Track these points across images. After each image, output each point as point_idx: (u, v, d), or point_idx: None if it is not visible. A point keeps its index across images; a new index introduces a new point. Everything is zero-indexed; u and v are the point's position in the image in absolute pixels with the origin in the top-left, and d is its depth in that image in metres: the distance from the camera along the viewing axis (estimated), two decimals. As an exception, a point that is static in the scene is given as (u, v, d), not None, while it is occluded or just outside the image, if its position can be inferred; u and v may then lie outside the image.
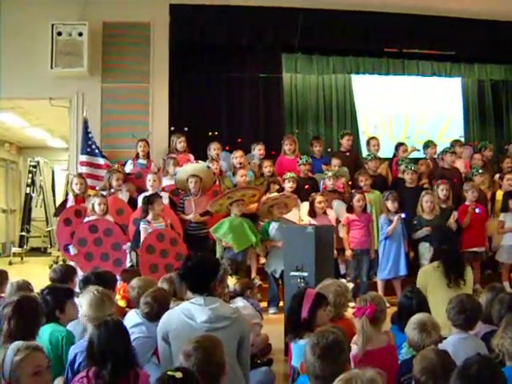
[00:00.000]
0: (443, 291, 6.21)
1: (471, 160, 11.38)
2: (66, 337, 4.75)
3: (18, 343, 3.61)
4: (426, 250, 9.22)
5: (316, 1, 11.97)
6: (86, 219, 9.01)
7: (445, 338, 4.65)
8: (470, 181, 10.33)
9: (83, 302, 4.74)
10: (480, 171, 10.64)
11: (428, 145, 11.75)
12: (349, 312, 5.55)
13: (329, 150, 11.86)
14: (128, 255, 9.02)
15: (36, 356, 3.55)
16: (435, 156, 11.50)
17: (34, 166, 17.26)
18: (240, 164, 10.42)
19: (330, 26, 12.29)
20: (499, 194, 10.57)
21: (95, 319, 4.47)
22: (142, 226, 8.72)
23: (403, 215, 9.38)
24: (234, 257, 8.79)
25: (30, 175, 17.13)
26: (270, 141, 11.70)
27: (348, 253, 9.48)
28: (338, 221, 9.69)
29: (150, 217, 8.79)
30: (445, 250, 6.78)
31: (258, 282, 8.98)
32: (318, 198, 9.47)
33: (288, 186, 9.93)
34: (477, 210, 9.72)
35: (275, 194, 9.76)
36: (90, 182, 10.34)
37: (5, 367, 3.47)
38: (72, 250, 8.78)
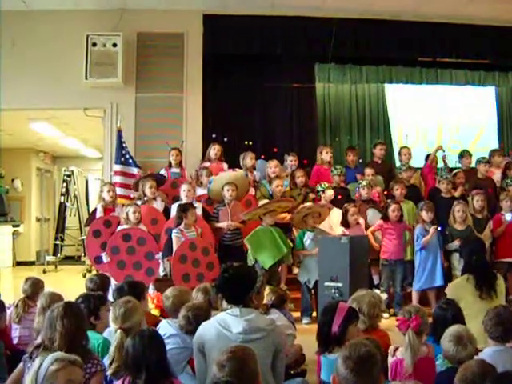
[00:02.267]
0: (475, 303, 6.19)
1: (506, 170, 11.23)
2: (102, 344, 4.79)
3: (58, 353, 3.65)
4: (457, 261, 9.18)
5: (349, 10, 11.94)
6: (120, 227, 9.05)
7: (480, 351, 4.61)
8: (503, 191, 10.23)
9: (111, 313, 4.78)
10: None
11: (463, 155, 11.63)
12: (382, 323, 5.53)
13: (360, 160, 11.78)
14: (161, 264, 9.05)
15: (71, 370, 3.57)
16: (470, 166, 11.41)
17: (69, 176, 17.44)
18: (274, 174, 10.43)
19: (362, 35, 12.27)
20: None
21: (125, 329, 4.52)
22: (175, 234, 8.72)
23: (439, 228, 9.32)
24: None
25: (65, 184, 17.31)
26: (303, 150, 11.73)
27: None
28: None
29: (182, 226, 8.80)
30: (475, 262, 6.72)
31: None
32: (352, 209, 9.45)
33: (328, 194, 9.94)
34: (508, 218, 9.62)
35: (309, 203, 9.75)
36: (123, 191, 10.42)
37: (39, 374, 3.50)
38: (105, 258, 8.81)
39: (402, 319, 4.71)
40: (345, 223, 9.41)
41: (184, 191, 9.58)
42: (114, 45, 11.09)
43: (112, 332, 4.89)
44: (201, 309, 5.18)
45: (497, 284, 6.46)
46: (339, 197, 10.23)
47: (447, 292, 6.87)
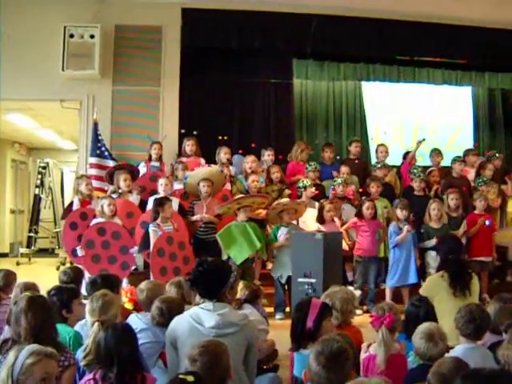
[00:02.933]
0: (449, 301, 6.22)
1: (480, 169, 11.31)
2: (73, 337, 4.76)
3: (33, 346, 3.62)
4: (432, 259, 9.24)
5: (329, 7, 11.95)
6: (95, 221, 9.01)
7: (451, 348, 4.64)
8: (477, 190, 10.31)
9: (88, 306, 4.76)
10: (485, 180, 10.61)
11: (433, 153, 11.73)
12: (355, 319, 5.55)
13: (337, 157, 11.82)
14: (137, 258, 9.02)
15: (47, 363, 3.54)
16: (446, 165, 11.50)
17: (44, 167, 17.30)
18: (251, 169, 10.44)
19: (341, 32, 12.29)
20: (510, 205, 10.58)
21: (104, 322, 4.48)
22: (152, 228, 8.70)
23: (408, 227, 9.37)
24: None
25: (39, 176, 17.15)
26: (279, 146, 11.74)
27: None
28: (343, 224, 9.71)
29: (159, 220, 8.78)
30: (450, 260, 6.77)
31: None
32: (328, 206, 9.47)
33: (310, 192, 9.95)
34: (487, 223, 9.70)
35: (285, 199, 9.77)
36: (99, 184, 10.38)
37: (15, 368, 3.47)
38: (79, 252, 8.78)
39: (376, 316, 4.73)
40: (320, 219, 9.44)
41: (161, 185, 9.56)
42: (92, 36, 11.00)
43: (83, 325, 4.88)
44: (174, 302, 5.17)
45: (471, 283, 6.51)
46: (316, 192, 10.24)
47: (422, 288, 6.92)
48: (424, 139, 11.69)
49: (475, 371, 3.13)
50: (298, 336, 4.54)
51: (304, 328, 4.53)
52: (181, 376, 3.30)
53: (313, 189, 9.99)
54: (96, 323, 4.53)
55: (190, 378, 3.24)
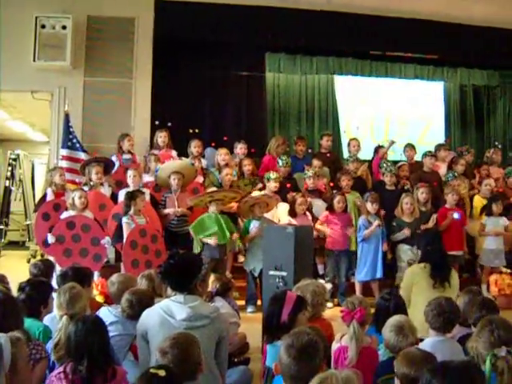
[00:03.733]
0: (428, 292, 6.26)
1: (452, 164, 11.39)
2: (42, 332, 4.72)
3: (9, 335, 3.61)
4: (403, 252, 9.33)
5: (302, 1, 11.97)
6: (64, 215, 8.94)
7: (422, 340, 4.68)
8: (449, 185, 10.38)
9: (56, 299, 4.74)
10: (455, 174, 10.71)
11: (406, 148, 11.85)
12: (326, 312, 5.59)
13: (309, 150, 11.85)
14: (108, 250, 8.98)
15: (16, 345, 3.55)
16: (417, 159, 11.61)
17: (14, 159, 17.10)
18: (224, 162, 10.45)
19: (314, 26, 12.25)
20: (477, 199, 10.68)
21: (73, 316, 4.48)
22: (125, 221, 8.68)
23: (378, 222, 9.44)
24: (212, 255, 8.82)
25: (10, 168, 16.98)
26: (252, 139, 11.74)
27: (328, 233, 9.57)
28: (316, 221, 9.73)
29: (132, 212, 8.76)
30: (432, 252, 6.82)
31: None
32: (299, 199, 9.52)
33: (273, 185, 9.93)
34: (456, 216, 9.80)
35: (257, 193, 9.78)
36: (70, 176, 10.27)
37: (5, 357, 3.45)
38: (50, 239, 8.69)
39: (346, 311, 4.76)
40: (292, 213, 9.46)
41: (130, 177, 9.59)
42: (64, 27, 10.89)
43: (53, 318, 4.86)
44: (144, 294, 5.19)
45: (451, 276, 6.57)
46: (288, 185, 10.29)
47: (403, 278, 6.99)
48: (394, 142, 11.76)
49: (444, 364, 3.17)
50: (273, 329, 4.55)
51: (279, 321, 4.53)
52: (152, 370, 3.29)
53: (273, 184, 9.94)
54: (64, 317, 4.52)
55: (162, 373, 3.24)
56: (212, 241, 8.86)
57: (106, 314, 5.09)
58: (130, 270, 8.07)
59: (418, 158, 11.73)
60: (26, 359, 3.71)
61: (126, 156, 10.65)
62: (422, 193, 9.95)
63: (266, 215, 9.39)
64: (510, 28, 12.90)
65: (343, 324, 4.81)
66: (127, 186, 9.73)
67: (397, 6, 12.14)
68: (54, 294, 4.97)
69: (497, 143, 13.89)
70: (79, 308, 4.68)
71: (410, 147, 11.82)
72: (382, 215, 9.56)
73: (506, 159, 12.62)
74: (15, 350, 3.50)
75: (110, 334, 4.48)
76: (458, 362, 3.16)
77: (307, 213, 9.66)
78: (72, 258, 8.54)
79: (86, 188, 9.49)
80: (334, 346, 4.66)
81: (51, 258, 8.56)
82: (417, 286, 6.44)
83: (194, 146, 10.79)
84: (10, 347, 3.47)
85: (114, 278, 5.72)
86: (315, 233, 9.10)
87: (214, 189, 9.78)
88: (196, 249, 8.88)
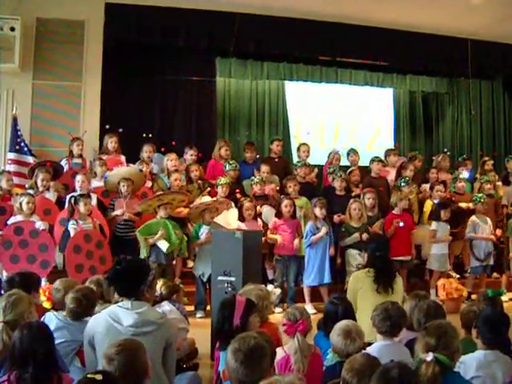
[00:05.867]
0: (372, 297, 6.30)
1: (401, 169, 11.52)
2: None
3: None
4: (352, 257, 9.42)
5: (252, 6, 12.01)
6: (12, 219, 8.81)
7: (369, 345, 4.73)
8: (398, 190, 10.49)
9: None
10: (407, 180, 10.81)
11: (349, 153, 12.01)
12: (275, 317, 5.61)
13: (257, 156, 11.87)
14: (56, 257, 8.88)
15: None
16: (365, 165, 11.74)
17: (-40, 162, 16.82)
18: (174, 167, 10.43)
19: (265, 31, 12.35)
20: (428, 204, 10.82)
21: (10, 322, 4.45)
22: (72, 226, 8.62)
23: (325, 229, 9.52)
24: (159, 260, 8.79)
25: (-45, 171, 16.68)
26: (201, 144, 11.77)
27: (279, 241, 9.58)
28: (266, 226, 9.76)
29: (77, 217, 8.68)
30: (377, 257, 6.88)
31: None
32: (246, 204, 9.55)
33: (221, 191, 9.94)
34: (400, 224, 9.90)
35: (207, 198, 9.78)
36: (17, 180, 10.14)
37: None
38: None
39: (289, 323, 4.74)
40: (241, 218, 9.49)
41: (78, 182, 9.50)
42: (12, 29, 10.71)
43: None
44: (88, 291, 5.23)
45: (395, 281, 6.63)
46: (237, 191, 10.32)
47: (349, 282, 7.04)
48: (338, 152, 11.94)
49: (390, 365, 3.26)
50: (226, 334, 4.55)
51: (231, 326, 4.55)
52: (89, 375, 3.29)
53: (223, 189, 9.95)
54: (1, 324, 4.47)
55: (99, 377, 3.24)
56: (163, 245, 8.82)
57: (52, 319, 5.04)
58: (74, 274, 8.00)
59: (366, 163, 11.83)
60: None
61: (77, 160, 10.55)
62: (368, 198, 10.06)
63: (217, 218, 9.39)
64: (459, 36, 13.21)
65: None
66: (74, 190, 9.64)
67: (347, 12, 12.24)
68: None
69: (445, 149, 14.10)
70: (17, 314, 4.61)
71: (354, 152, 11.98)
72: (326, 230, 9.56)
73: (453, 165, 12.80)
74: None
75: (57, 341, 4.45)
76: (397, 369, 3.25)
77: (258, 218, 9.71)
78: (19, 264, 8.41)
79: (30, 192, 9.36)
80: (279, 353, 4.65)
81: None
82: (361, 291, 6.48)
83: (146, 151, 10.78)
84: None
85: (58, 284, 5.67)
86: (264, 238, 9.14)
87: (162, 192, 9.75)
88: (142, 253, 8.83)
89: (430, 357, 3.62)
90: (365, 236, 9.50)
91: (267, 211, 10.03)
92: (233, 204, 9.85)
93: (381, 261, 6.79)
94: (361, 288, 6.55)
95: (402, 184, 10.71)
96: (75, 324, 4.96)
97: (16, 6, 10.94)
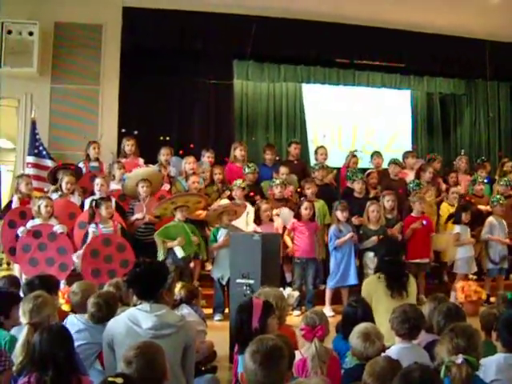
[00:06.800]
0: (386, 302, 6.25)
1: (420, 171, 11.46)
2: (9, 341, 4.67)
3: None
4: (369, 259, 9.38)
5: (269, 9, 12.03)
6: (30, 223, 8.85)
7: (388, 348, 4.71)
8: (416, 193, 10.42)
9: (20, 308, 4.70)
10: (418, 184, 10.76)
11: (373, 156, 11.96)
12: (294, 320, 5.60)
13: (277, 158, 11.86)
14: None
15: None
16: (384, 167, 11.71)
17: (-20, 166, 16.94)
18: (192, 170, 10.43)
19: (282, 34, 12.33)
20: (444, 207, 10.76)
21: (34, 325, 4.45)
22: (91, 229, 8.65)
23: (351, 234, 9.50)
24: (177, 262, 8.79)
25: (-25, 175, 16.79)
26: (219, 147, 11.75)
27: (289, 249, 9.57)
28: (284, 228, 9.75)
29: (98, 220, 8.70)
30: (387, 262, 6.84)
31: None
32: (264, 205, 9.55)
33: (238, 193, 9.94)
34: (424, 223, 9.85)
35: (226, 201, 9.79)
36: (36, 183, 10.20)
37: None
38: (20, 232, 8.65)
39: (307, 328, 4.70)
40: (257, 220, 9.48)
41: (97, 185, 9.51)
42: (31, 33, 10.80)
43: (20, 329, 4.81)
44: (110, 296, 5.23)
45: (408, 284, 6.58)
46: (251, 194, 10.32)
47: (362, 287, 7.01)
48: (356, 151, 11.89)
49: (411, 367, 3.24)
50: (244, 337, 4.53)
51: (250, 329, 4.52)
52: (110, 379, 3.29)
53: (240, 191, 9.97)
54: (26, 326, 4.48)
55: (119, 381, 3.24)
56: (178, 252, 8.82)
57: (74, 321, 5.07)
58: (90, 278, 7.98)
59: (383, 165, 11.81)
60: None
61: (94, 164, 10.60)
62: (387, 200, 10.02)
63: (237, 221, 9.40)
64: (477, 37, 13.12)
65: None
66: (93, 193, 9.66)
67: (365, 14, 12.23)
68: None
69: (463, 151, 14.02)
70: (43, 317, 4.62)
71: (377, 155, 11.92)
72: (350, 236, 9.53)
73: (472, 167, 12.72)
74: None
75: (78, 343, 4.47)
76: (418, 372, 3.23)
77: (274, 219, 9.70)
78: (38, 267, 8.46)
79: (55, 195, 9.42)
80: (296, 355, 4.62)
81: (17, 266, 8.51)
82: (376, 296, 6.40)
83: (163, 154, 10.78)
84: None
85: (75, 287, 5.66)
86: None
87: (175, 194, 9.77)
88: (159, 256, 8.83)
89: (460, 359, 3.59)
90: (374, 239, 9.47)
91: (285, 213, 10.01)
92: (250, 206, 9.85)
93: (390, 266, 6.74)
94: (375, 293, 6.50)
95: (414, 188, 10.65)
96: (97, 327, 4.96)
97: (34, 10, 11.01)
